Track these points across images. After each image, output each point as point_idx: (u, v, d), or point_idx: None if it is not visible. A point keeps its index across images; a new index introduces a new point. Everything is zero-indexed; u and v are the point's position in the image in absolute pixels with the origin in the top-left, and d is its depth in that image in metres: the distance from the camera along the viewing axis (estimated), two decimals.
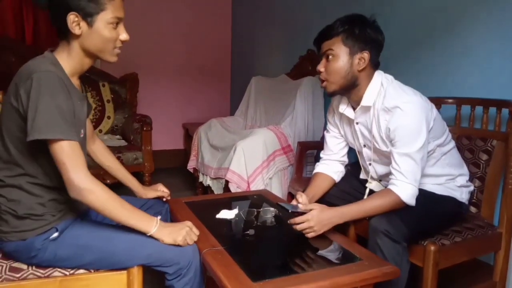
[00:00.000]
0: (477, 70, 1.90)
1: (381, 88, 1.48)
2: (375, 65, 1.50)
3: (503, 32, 1.78)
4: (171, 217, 1.64)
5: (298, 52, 3.13)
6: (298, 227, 1.39)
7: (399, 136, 1.41)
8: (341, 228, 1.64)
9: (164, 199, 1.66)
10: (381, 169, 1.59)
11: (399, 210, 1.40)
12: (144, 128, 3.20)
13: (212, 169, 2.77)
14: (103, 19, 1.18)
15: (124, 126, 3.54)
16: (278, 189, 2.59)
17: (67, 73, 1.20)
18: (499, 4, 1.79)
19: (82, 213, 1.33)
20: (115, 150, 3.11)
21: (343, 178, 1.73)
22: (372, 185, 1.66)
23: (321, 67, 1.50)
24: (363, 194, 1.68)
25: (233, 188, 2.49)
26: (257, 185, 2.50)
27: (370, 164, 1.63)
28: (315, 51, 2.90)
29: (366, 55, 1.45)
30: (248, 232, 1.43)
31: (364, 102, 1.50)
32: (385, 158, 1.51)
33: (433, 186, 1.53)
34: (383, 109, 1.46)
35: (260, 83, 3.24)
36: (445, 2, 2.04)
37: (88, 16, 1.16)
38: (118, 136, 3.47)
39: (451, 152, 1.56)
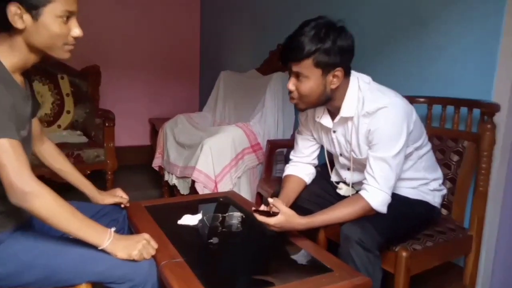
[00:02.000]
0: (449, 70, 1.87)
1: (359, 94, 1.38)
2: (348, 73, 1.39)
3: (475, 33, 1.75)
4: (129, 224, 1.52)
5: (268, 47, 3.04)
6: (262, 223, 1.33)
7: (377, 139, 1.33)
8: (311, 233, 1.57)
9: (123, 206, 1.54)
10: (357, 177, 1.52)
11: (372, 216, 1.34)
12: (107, 124, 3.03)
13: (178, 167, 2.64)
14: (51, 12, 1.03)
15: (85, 121, 3.34)
16: (246, 189, 2.50)
17: (7, 68, 1.06)
18: (471, 5, 1.75)
19: (23, 224, 1.18)
20: (74, 147, 2.93)
21: (313, 181, 1.66)
22: (342, 190, 1.60)
23: (291, 86, 1.35)
24: (334, 197, 1.61)
25: (200, 188, 2.38)
26: (225, 185, 2.40)
27: (348, 169, 1.56)
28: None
29: (339, 73, 1.32)
30: (211, 240, 1.33)
31: (344, 112, 1.40)
32: (363, 167, 1.44)
33: (407, 190, 1.48)
34: (363, 115, 1.37)
35: (229, 78, 3.12)
36: (418, 1, 1.99)
37: (32, 9, 1.01)
38: (78, 132, 3.27)
39: (427, 155, 1.51)
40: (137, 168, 3.85)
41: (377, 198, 1.32)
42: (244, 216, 1.51)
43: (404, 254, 1.36)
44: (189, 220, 1.48)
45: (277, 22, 3.06)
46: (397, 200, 1.40)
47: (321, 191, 1.64)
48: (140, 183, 3.51)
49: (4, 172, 0.97)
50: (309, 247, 1.34)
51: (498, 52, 1.69)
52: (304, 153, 1.63)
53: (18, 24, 1.02)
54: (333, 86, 1.34)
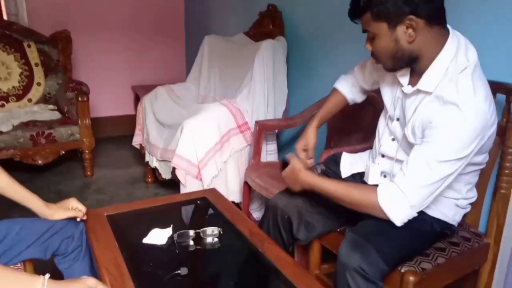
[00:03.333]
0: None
1: (452, 68, 1.06)
2: (437, 20, 1.07)
3: (498, 7, 1.42)
4: (88, 240, 1.29)
5: (258, 8, 2.67)
6: None
7: (436, 137, 1.04)
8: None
9: (79, 219, 1.29)
10: (400, 155, 1.25)
11: (376, 237, 1.11)
12: (80, 99, 2.74)
13: (158, 149, 2.38)
14: None
15: (57, 94, 3.04)
16: (234, 174, 2.26)
17: None
18: None
19: None
20: (45, 125, 2.66)
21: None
22: (374, 166, 1.32)
23: (367, 46, 1.17)
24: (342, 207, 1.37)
25: (181, 175, 2.14)
26: (209, 171, 2.15)
27: (393, 139, 1.27)
28: (277, 7, 2.51)
29: (413, 21, 1.04)
30: (179, 271, 1.10)
31: (422, 84, 1.10)
32: (408, 149, 1.18)
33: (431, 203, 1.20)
34: (436, 95, 1.08)
35: (214, 44, 2.77)
36: None
37: None
38: (51, 106, 2.98)
39: (477, 172, 1.23)
40: (120, 141, 3.58)
41: (389, 196, 1.08)
42: (221, 231, 1.27)
43: (412, 278, 1.14)
44: (157, 237, 1.25)
45: None
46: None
47: (325, 201, 1.34)
48: (124, 157, 3.27)
49: None
50: (299, 278, 1.10)
51: None
52: (365, 76, 1.43)
53: None
54: (410, 39, 1.06)
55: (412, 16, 1.03)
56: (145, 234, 1.27)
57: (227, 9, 3.26)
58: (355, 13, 1.13)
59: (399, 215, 1.08)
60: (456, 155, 1.04)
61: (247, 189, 2.08)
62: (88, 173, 2.88)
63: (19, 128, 2.58)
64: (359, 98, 1.50)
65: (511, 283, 1.52)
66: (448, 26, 1.12)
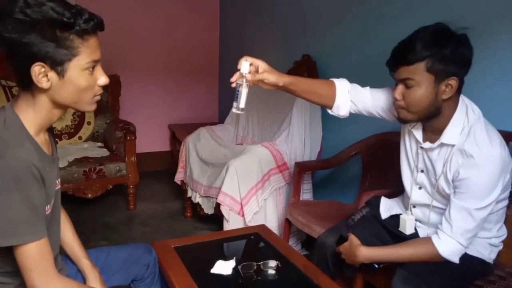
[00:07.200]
0: None
1: (466, 122, 1.26)
2: (460, 89, 1.27)
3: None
4: (160, 268, 1.46)
5: (293, 57, 2.92)
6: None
7: (466, 188, 1.23)
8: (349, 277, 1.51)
9: None
10: (427, 199, 1.42)
11: (427, 275, 1.26)
12: (128, 138, 2.98)
13: (202, 186, 2.57)
14: (77, 66, 0.95)
15: (105, 132, 3.30)
16: (273, 210, 2.42)
17: (32, 133, 0.98)
18: None
19: None
20: (96, 162, 2.89)
21: (362, 224, 1.55)
22: (406, 225, 1.47)
23: (398, 95, 1.27)
24: (385, 242, 1.50)
25: (225, 211, 2.31)
26: (251, 207, 2.32)
27: (420, 188, 1.43)
28: (311, 57, 2.75)
29: (454, 81, 1.21)
30: None
31: (446, 138, 1.28)
32: (443, 198, 1.35)
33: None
34: (459, 149, 1.25)
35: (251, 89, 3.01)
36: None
37: (57, 65, 0.93)
38: (99, 144, 3.23)
39: (503, 209, 1.39)
40: (158, 175, 3.80)
41: (448, 246, 1.26)
42: (279, 264, 1.43)
43: None
44: (222, 268, 1.41)
45: (302, 32, 2.94)
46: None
47: (373, 239, 1.50)
48: (163, 192, 3.47)
49: (28, 276, 0.94)
50: None
51: None
52: (359, 94, 1.45)
53: (43, 84, 0.93)
54: (445, 97, 1.23)
55: (455, 77, 1.22)
56: (209, 264, 1.43)
57: (262, 56, 3.51)
58: (406, 61, 1.21)
59: (457, 256, 1.27)
60: (490, 198, 1.22)
61: (288, 225, 2.24)
62: (131, 206, 3.08)
63: (74, 164, 2.82)
64: (344, 109, 1.47)
65: None
66: None
